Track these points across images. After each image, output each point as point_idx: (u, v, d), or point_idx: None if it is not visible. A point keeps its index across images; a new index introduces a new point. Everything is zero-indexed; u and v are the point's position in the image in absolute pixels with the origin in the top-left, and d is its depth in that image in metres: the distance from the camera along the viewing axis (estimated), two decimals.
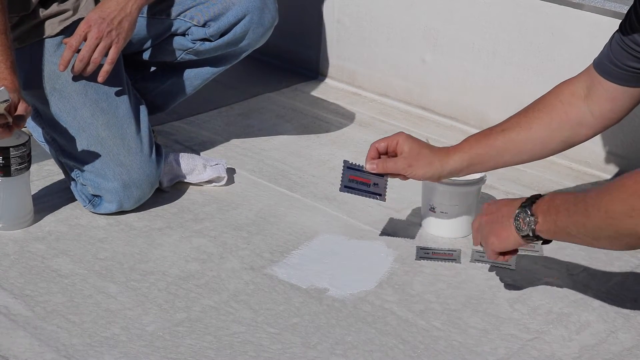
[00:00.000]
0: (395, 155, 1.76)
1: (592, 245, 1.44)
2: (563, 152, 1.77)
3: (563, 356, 1.58)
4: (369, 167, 1.76)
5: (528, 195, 1.55)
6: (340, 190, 1.77)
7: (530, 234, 1.50)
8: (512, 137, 1.72)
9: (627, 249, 1.38)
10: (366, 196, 1.76)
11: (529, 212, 1.49)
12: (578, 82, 1.74)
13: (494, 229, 1.57)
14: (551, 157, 1.78)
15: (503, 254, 1.58)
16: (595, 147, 2.23)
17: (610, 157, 2.24)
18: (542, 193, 1.53)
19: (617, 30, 1.67)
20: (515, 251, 1.59)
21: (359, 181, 1.77)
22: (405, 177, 1.78)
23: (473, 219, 1.90)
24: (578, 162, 2.26)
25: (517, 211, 1.52)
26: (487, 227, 1.59)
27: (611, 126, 1.74)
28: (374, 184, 1.76)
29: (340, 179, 1.77)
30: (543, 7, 2.27)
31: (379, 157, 1.78)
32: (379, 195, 1.76)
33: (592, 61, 1.74)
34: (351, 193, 1.77)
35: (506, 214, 1.54)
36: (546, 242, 1.54)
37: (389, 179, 1.78)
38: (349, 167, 1.78)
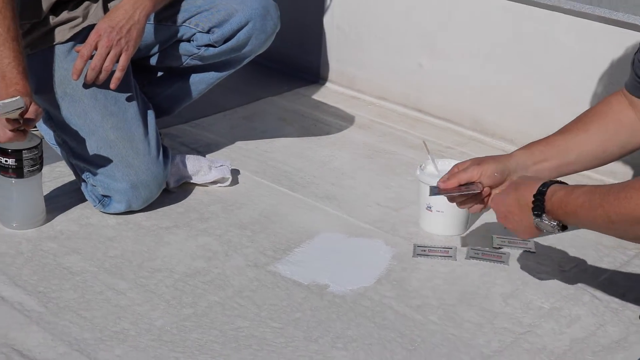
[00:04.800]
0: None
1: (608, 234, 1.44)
2: None
3: (554, 349, 1.58)
4: (441, 182, 1.70)
5: None
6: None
7: (559, 230, 1.50)
8: (572, 137, 1.71)
9: None
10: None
11: (548, 220, 1.49)
12: (619, 95, 1.71)
13: (519, 231, 1.57)
14: None
15: None
16: None
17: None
18: (541, 185, 1.50)
19: None
20: None
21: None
22: (482, 201, 1.72)
23: (467, 218, 1.92)
24: None
25: (535, 221, 1.51)
26: (511, 228, 1.58)
27: None
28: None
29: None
30: (535, 12, 2.26)
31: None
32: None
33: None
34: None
35: (527, 223, 1.53)
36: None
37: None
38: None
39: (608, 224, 1.38)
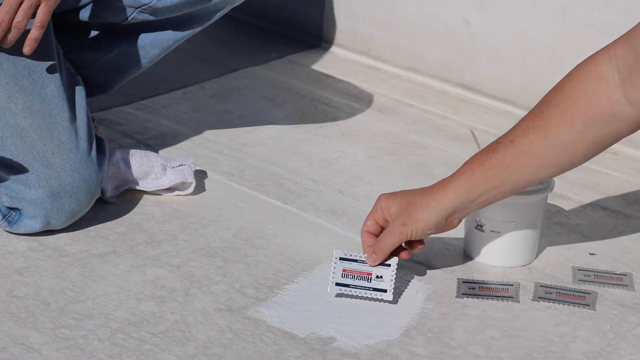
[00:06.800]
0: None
1: None
2: None
3: None
4: (370, 260, 1.83)
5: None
6: (330, 290, 1.83)
7: None
8: (524, 150, 1.75)
9: None
10: (366, 294, 1.82)
11: None
12: (610, 59, 1.71)
13: None
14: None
15: None
16: None
17: None
18: None
19: None
20: None
21: (357, 275, 1.84)
22: (417, 246, 1.84)
23: (536, 242, 1.94)
24: None
25: None
26: None
27: None
28: (377, 276, 1.83)
29: (332, 273, 1.84)
30: None
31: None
32: (384, 291, 1.82)
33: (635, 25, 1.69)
34: (346, 292, 1.83)
35: None
36: None
37: (397, 263, 1.83)
38: (342, 259, 1.86)
39: None
